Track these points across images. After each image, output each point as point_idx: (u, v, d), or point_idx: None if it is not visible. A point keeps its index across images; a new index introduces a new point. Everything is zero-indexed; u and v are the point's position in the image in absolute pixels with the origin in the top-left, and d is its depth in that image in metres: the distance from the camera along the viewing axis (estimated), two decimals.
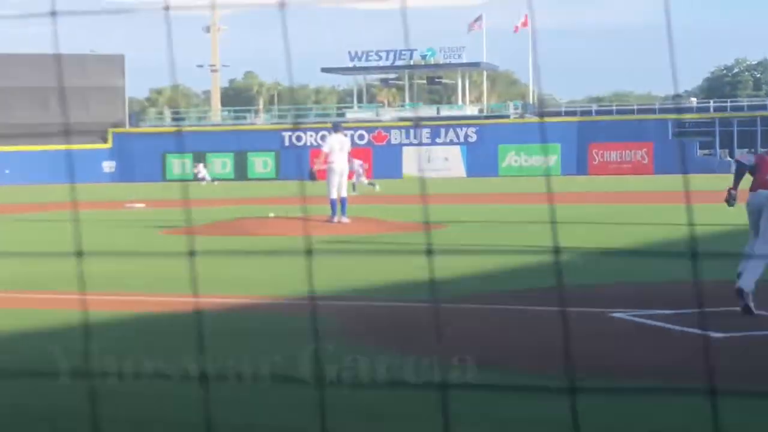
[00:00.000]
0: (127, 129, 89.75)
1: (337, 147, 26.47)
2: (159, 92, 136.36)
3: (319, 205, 26.89)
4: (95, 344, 10.58)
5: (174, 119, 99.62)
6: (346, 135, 28.62)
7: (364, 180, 53.89)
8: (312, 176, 26.76)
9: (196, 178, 73.59)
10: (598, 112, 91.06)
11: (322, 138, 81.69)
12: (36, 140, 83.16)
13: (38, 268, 17.48)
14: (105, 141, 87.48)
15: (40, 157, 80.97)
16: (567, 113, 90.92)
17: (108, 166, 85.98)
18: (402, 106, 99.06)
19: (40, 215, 35.02)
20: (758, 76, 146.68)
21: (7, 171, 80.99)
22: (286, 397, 8.05)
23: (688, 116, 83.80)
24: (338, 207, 26.37)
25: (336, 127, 27.42)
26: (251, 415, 7.63)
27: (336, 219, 26.12)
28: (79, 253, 3.14)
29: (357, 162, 51.42)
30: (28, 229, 29.06)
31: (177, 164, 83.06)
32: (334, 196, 26.27)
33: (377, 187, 53.18)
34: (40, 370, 9.04)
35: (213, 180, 73.74)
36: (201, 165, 76.95)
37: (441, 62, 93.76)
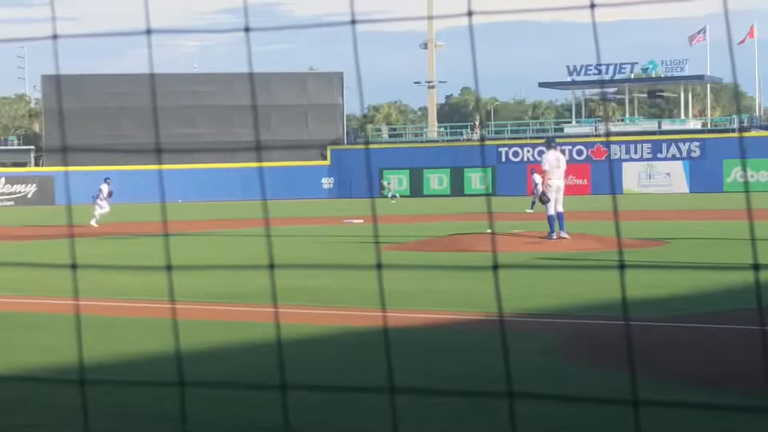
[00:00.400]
0: (345, 146, 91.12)
1: (554, 164, 26.07)
2: (376, 109, 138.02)
3: (536, 221, 26.44)
4: (305, 358, 10.48)
5: (391, 135, 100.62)
6: (562, 151, 28.15)
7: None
8: (545, 198, 26.04)
9: (384, 195, 73.02)
10: None
11: (539, 154, 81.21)
12: (256, 157, 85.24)
13: (246, 281, 17.64)
14: (324, 158, 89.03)
15: (264, 173, 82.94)
16: None
17: (327, 182, 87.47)
18: (622, 120, 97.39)
19: (256, 231, 35.66)
20: None
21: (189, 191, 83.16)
22: (480, 412, 7.70)
23: None
24: (556, 223, 25.86)
25: (550, 143, 26.99)
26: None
27: (555, 235, 25.61)
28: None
29: (538, 177, 50.56)
30: (244, 244, 29.55)
31: (394, 180, 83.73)
32: (552, 212, 25.78)
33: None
34: (250, 382, 8.96)
35: (393, 197, 72.43)
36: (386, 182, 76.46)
37: (662, 75, 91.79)
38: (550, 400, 8.29)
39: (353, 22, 2.88)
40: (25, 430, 7.70)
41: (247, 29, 2.98)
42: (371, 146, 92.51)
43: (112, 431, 7.64)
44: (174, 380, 9.39)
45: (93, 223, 41.43)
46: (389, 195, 72.44)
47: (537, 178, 49.69)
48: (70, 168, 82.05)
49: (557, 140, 29.68)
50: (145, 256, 25.52)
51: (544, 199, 25.94)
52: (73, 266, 3.09)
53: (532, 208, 47.24)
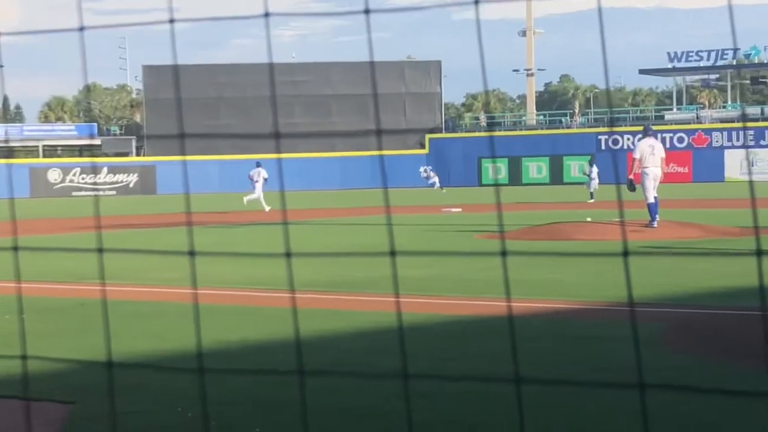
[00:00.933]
0: (443, 134, 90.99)
1: (648, 151, 25.72)
2: (474, 97, 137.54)
3: (636, 209, 26.13)
4: (409, 345, 10.47)
5: (489, 124, 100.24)
6: (657, 138, 27.74)
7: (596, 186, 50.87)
8: (631, 187, 25.92)
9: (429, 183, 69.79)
10: None
11: (636, 142, 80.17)
12: (355, 146, 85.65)
13: (351, 270, 17.70)
14: (422, 146, 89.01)
15: (360, 162, 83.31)
16: None
17: (425, 170, 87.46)
18: (723, 107, 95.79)
19: (358, 219, 35.79)
20: None
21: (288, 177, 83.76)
22: (605, 405, 7.62)
23: None
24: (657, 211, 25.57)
25: (646, 131, 26.70)
26: (578, 423, 7.25)
27: (656, 223, 25.29)
28: (392, 253, 2.88)
29: (595, 170, 50.25)
30: (347, 232, 29.67)
31: (492, 169, 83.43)
32: (652, 200, 25.45)
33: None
34: (359, 370, 8.98)
35: (442, 188, 70.20)
36: (428, 168, 72.75)
37: (765, 61, 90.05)
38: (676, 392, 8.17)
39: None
40: (137, 417, 7.81)
41: (366, 11, 2.96)
42: (469, 135, 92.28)
43: (229, 418, 7.71)
44: (289, 368, 9.46)
45: (265, 208, 42.45)
46: (435, 186, 68.20)
47: (591, 168, 49.32)
48: (171, 157, 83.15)
49: (654, 128, 29.27)
50: (241, 244, 25.76)
51: (630, 188, 25.78)
52: (191, 253, 3.12)
53: (592, 198, 46.61)
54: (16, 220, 38.21)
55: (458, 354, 9.95)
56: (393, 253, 2.86)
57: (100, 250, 3.42)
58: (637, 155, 25.97)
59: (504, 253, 2.81)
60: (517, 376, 2.84)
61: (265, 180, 46.60)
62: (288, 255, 2.97)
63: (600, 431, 7.14)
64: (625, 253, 2.56)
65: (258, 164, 47.53)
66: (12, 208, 42.75)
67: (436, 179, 69.30)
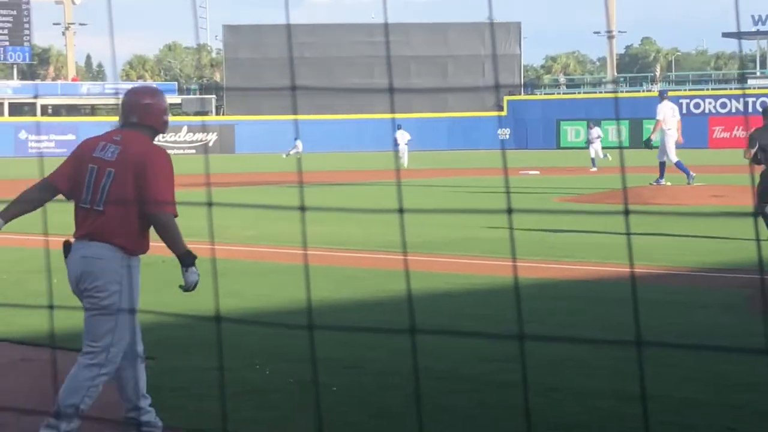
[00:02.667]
0: (522, 96, 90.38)
1: (670, 113, 27.01)
2: (554, 59, 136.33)
3: (716, 174, 25.77)
4: (493, 308, 10.44)
5: (568, 86, 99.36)
6: (745, 103, 28.95)
7: (600, 152, 50.47)
8: (647, 145, 27.15)
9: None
10: None
11: (722, 106, 79.00)
12: (434, 107, 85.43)
13: (423, 231, 17.68)
14: (501, 109, 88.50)
15: (438, 124, 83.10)
16: None
17: (503, 133, 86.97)
18: None
19: (434, 181, 35.70)
20: None
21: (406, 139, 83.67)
22: (687, 369, 7.54)
23: None
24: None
25: (662, 95, 28.12)
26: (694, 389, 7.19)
27: (693, 176, 26.03)
28: (511, 210, 2.84)
29: (596, 131, 49.09)
30: (426, 194, 29.61)
31: (571, 132, 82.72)
32: (676, 158, 26.40)
33: (609, 158, 49.64)
34: (440, 331, 8.96)
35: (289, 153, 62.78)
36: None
37: None
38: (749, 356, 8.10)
39: None
40: (215, 372, 7.88)
41: None
42: (548, 97, 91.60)
43: (306, 376, 7.75)
44: (357, 326, 9.48)
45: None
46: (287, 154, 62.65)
47: (594, 132, 47.13)
48: (250, 117, 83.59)
49: (736, 92, 29.30)
50: (319, 203, 25.84)
51: (649, 145, 27.00)
52: (302, 209, 3.12)
53: (595, 166, 44.27)
54: None
55: (544, 316, 9.87)
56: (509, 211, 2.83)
57: (210, 204, 3.43)
58: (660, 116, 26.83)
59: (627, 212, 2.76)
60: (638, 339, 2.81)
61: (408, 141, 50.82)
62: (400, 211, 2.93)
63: (680, 395, 7.06)
64: (756, 215, 2.50)
65: (399, 126, 52.01)
66: None
67: None
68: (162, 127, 6.66)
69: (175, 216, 6.45)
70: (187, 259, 6.71)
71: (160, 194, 6.30)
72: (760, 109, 16.33)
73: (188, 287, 6.76)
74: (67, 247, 6.42)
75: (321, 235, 17.06)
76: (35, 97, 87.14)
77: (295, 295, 11.51)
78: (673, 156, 26.40)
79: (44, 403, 6.97)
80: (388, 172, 39.51)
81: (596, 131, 47.01)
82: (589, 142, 47.11)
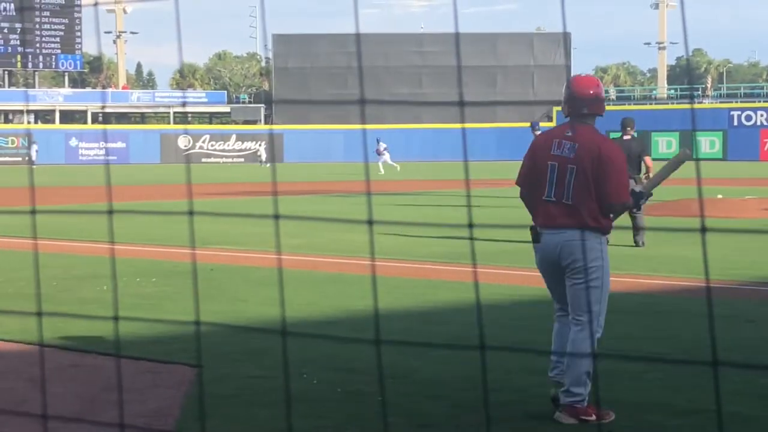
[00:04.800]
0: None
1: None
2: (604, 70, 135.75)
3: (766, 187, 25.52)
4: (536, 320, 10.39)
5: (619, 98, 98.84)
6: None
7: (388, 161, 54.36)
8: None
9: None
10: None
11: None
12: (484, 118, 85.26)
13: (457, 242, 17.65)
14: (550, 119, 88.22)
15: (489, 133, 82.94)
16: None
17: None
18: None
19: (482, 191, 35.64)
20: None
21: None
22: (737, 384, 7.46)
23: None
24: None
25: (534, 127, 25.84)
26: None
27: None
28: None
29: (382, 145, 53.74)
30: (471, 204, 29.56)
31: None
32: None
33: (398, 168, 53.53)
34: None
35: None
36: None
37: None
38: None
39: None
40: (263, 381, 7.89)
41: None
42: None
43: (354, 385, 7.75)
44: (413, 338, 9.47)
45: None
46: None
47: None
48: (299, 126, 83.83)
49: None
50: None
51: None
52: (370, 222, 3.12)
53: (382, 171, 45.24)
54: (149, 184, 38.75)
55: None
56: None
57: (277, 217, 3.43)
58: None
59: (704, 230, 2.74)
60: (714, 359, 2.78)
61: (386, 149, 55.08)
62: (470, 225, 2.92)
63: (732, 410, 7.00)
64: None
65: (378, 140, 56.58)
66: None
67: None
68: (603, 113, 7.22)
69: (626, 202, 7.04)
70: (636, 197, 7.27)
71: (617, 185, 6.90)
72: None
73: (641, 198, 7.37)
74: (535, 232, 7.06)
75: (368, 244, 17.04)
76: (102, 106, 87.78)
77: (339, 303, 11.51)
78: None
79: (90, 410, 7.01)
80: (438, 182, 39.48)
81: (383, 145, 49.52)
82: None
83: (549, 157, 6.99)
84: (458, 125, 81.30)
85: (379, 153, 55.94)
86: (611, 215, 6.96)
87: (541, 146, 7.14)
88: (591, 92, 7.11)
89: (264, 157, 77.16)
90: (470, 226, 3.01)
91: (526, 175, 7.20)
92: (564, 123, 7.19)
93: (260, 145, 79.40)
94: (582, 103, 7.07)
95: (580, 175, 6.86)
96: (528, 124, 24.52)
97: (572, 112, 7.10)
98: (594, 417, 6.81)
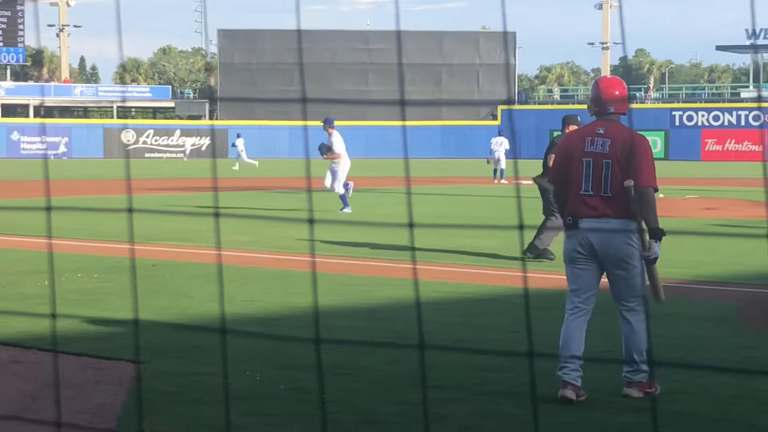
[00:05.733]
0: (516, 106, 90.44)
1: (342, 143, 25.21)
2: (548, 69, 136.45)
3: (709, 187, 25.80)
4: (483, 318, 10.43)
5: (563, 97, 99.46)
6: (738, 117, 27.73)
7: (245, 158, 56.80)
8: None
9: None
10: None
11: (715, 119, 79.11)
12: (428, 116, 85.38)
13: (419, 240, 17.68)
14: (494, 118, 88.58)
15: (433, 131, 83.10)
16: None
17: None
18: None
19: (426, 189, 35.72)
20: None
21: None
22: (673, 384, 7.54)
23: None
24: None
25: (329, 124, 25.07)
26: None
27: None
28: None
29: (240, 142, 57.19)
30: (415, 201, 29.64)
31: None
32: None
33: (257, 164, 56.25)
34: (430, 340, 8.94)
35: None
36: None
37: None
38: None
39: None
40: (205, 378, 7.85)
41: None
42: (542, 107, 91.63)
43: (297, 383, 7.73)
44: (358, 336, 9.47)
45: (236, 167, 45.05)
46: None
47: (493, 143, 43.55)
48: (244, 122, 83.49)
49: (729, 105, 28.82)
50: (293, 210, 25.83)
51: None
52: (311, 221, 3.11)
53: (497, 178, 42.48)
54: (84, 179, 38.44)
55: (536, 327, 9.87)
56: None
57: (217, 215, 3.41)
58: (340, 149, 24.88)
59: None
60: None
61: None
62: (410, 224, 2.92)
63: (671, 409, 7.07)
64: None
65: (238, 135, 59.98)
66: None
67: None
68: (626, 112, 7.70)
69: (656, 190, 7.47)
70: (657, 233, 7.40)
71: (647, 169, 7.33)
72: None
73: (649, 256, 7.43)
74: (573, 219, 7.43)
75: (310, 242, 17.05)
76: (42, 101, 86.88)
77: (283, 300, 11.49)
78: (339, 186, 24.65)
79: (31, 406, 6.94)
80: (382, 179, 39.53)
81: (498, 140, 43.83)
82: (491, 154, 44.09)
83: (583, 153, 7.42)
84: (402, 123, 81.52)
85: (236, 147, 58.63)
86: (646, 206, 7.30)
87: (574, 144, 7.58)
88: (617, 93, 7.60)
89: (188, 151, 77.95)
90: (410, 225, 3.02)
91: (559, 171, 7.65)
92: (593, 121, 7.65)
93: (194, 139, 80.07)
94: (609, 103, 7.56)
95: (616, 168, 7.30)
96: (470, 122, 24.49)
97: (599, 111, 7.61)
98: (655, 390, 7.28)
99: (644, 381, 7.33)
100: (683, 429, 6.70)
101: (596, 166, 7.37)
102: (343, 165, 24.87)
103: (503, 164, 42.90)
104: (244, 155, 57.48)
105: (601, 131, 7.47)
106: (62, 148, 77.45)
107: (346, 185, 24.81)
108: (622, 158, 7.32)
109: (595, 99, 7.62)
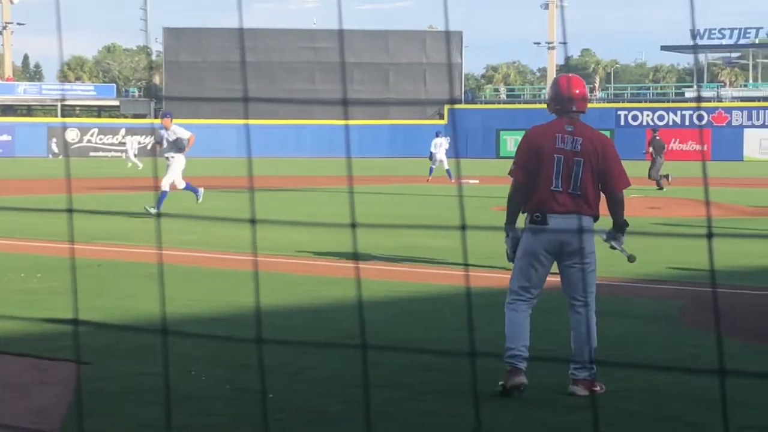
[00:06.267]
0: (463, 105, 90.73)
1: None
2: (495, 69, 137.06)
3: (651, 186, 26.00)
4: (432, 316, 10.46)
5: (509, 96, 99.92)
6: (683, 116, 27.91)
7: (132, 157, 57.97)
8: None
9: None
10: None
11: (659, 118, 79.80)
12: (376, 114, 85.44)
13: (366, 239, 17.69)
14: (441, 117, 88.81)
15: (381, 130, 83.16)
16: None
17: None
18: (744, 86, 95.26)
19: (374, 188, 35.73)
20: None
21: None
22: (618, 382, 7.60)
23: None
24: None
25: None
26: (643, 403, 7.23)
27: None
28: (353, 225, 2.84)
29: (131, 141, 58.93)
30: (362, 201, 29.65)
31: (511, 141, 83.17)
32: None
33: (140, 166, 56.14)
34: (374, 340, 8.95)
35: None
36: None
37: None
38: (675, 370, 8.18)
39: None
40: (150, 378, 7.81)
41: None
42: (489, 106, 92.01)
43: (243, 383, 7.71)
44: (304, 335, 9.45)
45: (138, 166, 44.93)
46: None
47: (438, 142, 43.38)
48: (189, 120, 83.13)
49: (674, 105, 29.14)
50: (242, 209, 25.75)
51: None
52: (252, 221, 3.10)
53: (431, 175, 42.42)
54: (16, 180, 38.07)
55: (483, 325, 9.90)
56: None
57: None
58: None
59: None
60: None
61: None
62: (353, 225, 2.92)
63: (617, 408, 7.12)
64: (710, 235, 2.56)
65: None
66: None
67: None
68: (586, 111, 7.83)
69: (628, 186, 7.75)
70: (623, 227, 7.82)
71: (619, 172, 7.61)
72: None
73: (621, 245, 7.93)
74: (540, 215, 7.47)
75: (259, 241, 17.00)
76: None
77: (229, 300, 11.45)
78: (180, 182, 24.23)
79: None
80: (330, 178, 39.47)
81: (439, 141, 43.64)
82: (433, 155, 43.91)
83: (555, 150, 7.47)
84: (348, 122, 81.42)
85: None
86: (617, 206, 7.67)
87: (544, 140, 7.57)
88: (578, 92, 7.73)
89: (55, 148, 77.55)
90: (353, 225, 3.02)
91: (527, 167, 7.59)
92: (557, 119, 7.71)
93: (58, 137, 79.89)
94: (571, 101, 7.67)
95: (587, 167, 7.42)
96: (418, 121, 24.48)
97: (561, 110, 7.70)
98: (600, 388, 7.36)
99: (589, 379, 7.35)
100: (626, 427, 6.76)
101: (567, 164, 7.42)
102: (178, 163, 24.13)
103: (446, 164, 43.00)
104: (131, 154, 58.90)
105: (570, 129, 7.56)
106: None
107: (194, 189, 24.20)
108: (593, 158, 7.46)
109: (555, 97, 7.71)
